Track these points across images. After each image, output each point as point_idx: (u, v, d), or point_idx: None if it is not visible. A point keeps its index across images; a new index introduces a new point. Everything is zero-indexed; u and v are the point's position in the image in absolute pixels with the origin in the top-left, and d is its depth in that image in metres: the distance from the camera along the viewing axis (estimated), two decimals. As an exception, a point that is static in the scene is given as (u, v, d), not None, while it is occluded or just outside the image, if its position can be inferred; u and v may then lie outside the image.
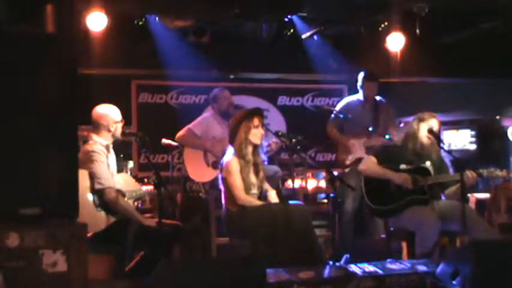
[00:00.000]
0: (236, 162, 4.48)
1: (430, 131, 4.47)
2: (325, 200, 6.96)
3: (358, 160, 5.60)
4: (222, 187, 4.56)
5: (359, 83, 6.01)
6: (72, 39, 3.18)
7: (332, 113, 6.03)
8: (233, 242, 4.66)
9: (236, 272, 3.20)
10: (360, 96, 6.06)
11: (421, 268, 3.76)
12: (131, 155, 7.08)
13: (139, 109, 7.14)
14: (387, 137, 5.68)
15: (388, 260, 4.04)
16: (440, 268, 3.55)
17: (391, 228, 4.57)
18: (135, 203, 4.63)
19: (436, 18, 6.08)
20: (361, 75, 6.00)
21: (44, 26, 3.44)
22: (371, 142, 5.80)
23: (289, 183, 6.34)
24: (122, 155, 6.92)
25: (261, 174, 4.61)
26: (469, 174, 4.29)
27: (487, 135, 7.86)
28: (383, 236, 4.75)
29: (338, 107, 6.15)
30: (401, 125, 6.73)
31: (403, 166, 4.52)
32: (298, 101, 7.73)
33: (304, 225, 4.35)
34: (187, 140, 5.79)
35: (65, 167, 2.95)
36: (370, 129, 5.75)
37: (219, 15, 6.18)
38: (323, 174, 7.36)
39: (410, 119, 4.77)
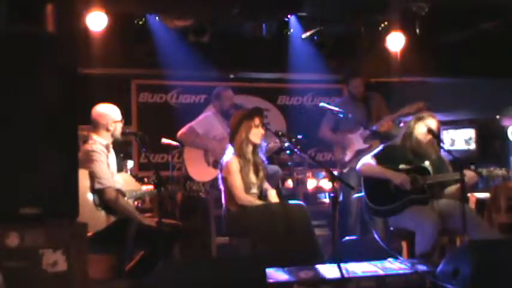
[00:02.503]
0: (236, 161, 4.48)
1: (430, 130, 4.47)
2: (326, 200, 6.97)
3: (359, 152, 5.60)
4: (222, 187, 4.57)
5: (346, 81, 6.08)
6: (72, 39, 3.17)
7: (331, 111, 6.02)
8: (233, 241, 4.66)
9: (236, 271, 3.20)
10: (350, 94, 6.11)
11: (421, 268, 3.76)
12: (131, 155, 7.09)
13: (140, 109, 7.16)
14: (373, 127, 5.72)
15: (388, 259, 4.05)
16: (440, 268, 3.55)
17: (391, 228, 4.57)
18: (135, 203, 4.62)
19: (436, 18, 6.07)
20: (344, 73, 6.07)
21: (44, 26, 3.44)
22: (367, 132, 5.81)
23: (289, 182, 6.35)
24: (121, 155, 6.92)
25: (261, 173, 4.62)
26: (468, 173, 4.30)
27: (487, 135, 7.85)
28: (383, 235, 4.75)
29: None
30: (401, 124, 6.73)
31: (402, 166, 4.52)
32: (298, 100, 7.74)
33: (304, 225, 4.35)
34: (188, 139, 5.79)
35: (65, 167, 2.95)
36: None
37: (219, 15, 6.18)
38: (323, 173, 7.36)
39: (409, 118, 4.76)
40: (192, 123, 5.85)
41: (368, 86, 6.19)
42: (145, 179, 6.54)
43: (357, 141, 5.88)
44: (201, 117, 5.96)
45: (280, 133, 4.76)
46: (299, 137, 4.94)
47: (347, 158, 5.92)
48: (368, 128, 5.79)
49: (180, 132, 5.81)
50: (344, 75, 6.12)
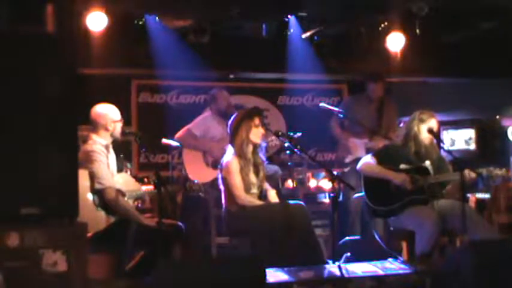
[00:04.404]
0: (236, 161, 4.48)
1: (430, 131, 4.47)
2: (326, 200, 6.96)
3: (357, 160, 5.60)
4: (222, 187, 4.57)
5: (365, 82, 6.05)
6: (72, 39, 3.16)
7: (333, 112, 6.02)
8: (233, 241, 4.66)
9: (236, 272, 3.20)
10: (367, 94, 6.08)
11: (421, 268, 3.76)
12: (131, 155, 7.09)
13: (139, 109, 7.16)
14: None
15: (388, 259, 4.05)
16: (440, 268, 3.55)
17: (391, 228, 4.57)
18: (135, 203, 4.62)
19: (436, 18, 6.07)
20: (364, 75, 6.03)
21: (44, 26, 3.43)
22: (372, 144, 5.79)
23: (289, 182, 6.34)
24: (121, 155, 6.92)
25: (261, 173, 4.62)
26: (468, 173, 4.30)
27: (487, 135, 7.84)
28: (383, 235, 4.75)
29: (344, 102, 6.16)
30: (401, 124, 6.73)
31: (402, 166, 4.52)
32: (298, 100, 7.74)
33: (304, 225, 4.35)
34: (185, 141, 5.78)
35: (65, 167, 2.95)
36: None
37: (219, 15, 6.18)
38: (323, 173, 7.35)
39: (408, 119, 4.74)
40: (189, 125, 5.85)
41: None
42: (145, 179, 6.54)
43: (360, 148, 5.86)
44: (198, 119, 5.96)
45: (280, 133, 4.76)
46: (298, 134, 4.93)
47: (347, 160, 5.92)
48: (373, 134, 5.78)
49: (177, 135, 5.80)
50: (364, 77, 6.05)
